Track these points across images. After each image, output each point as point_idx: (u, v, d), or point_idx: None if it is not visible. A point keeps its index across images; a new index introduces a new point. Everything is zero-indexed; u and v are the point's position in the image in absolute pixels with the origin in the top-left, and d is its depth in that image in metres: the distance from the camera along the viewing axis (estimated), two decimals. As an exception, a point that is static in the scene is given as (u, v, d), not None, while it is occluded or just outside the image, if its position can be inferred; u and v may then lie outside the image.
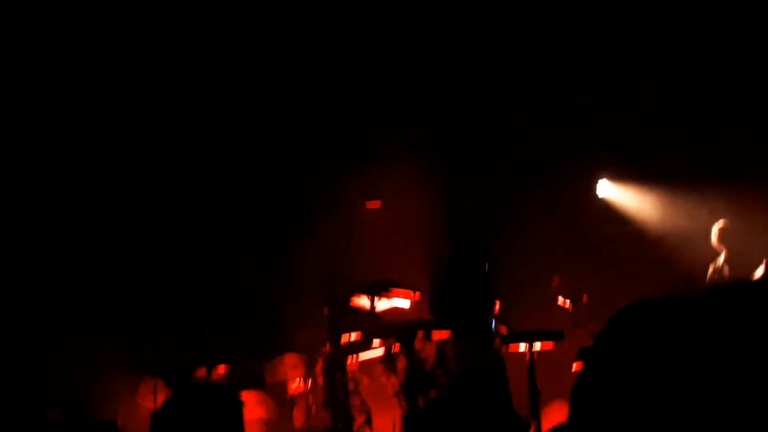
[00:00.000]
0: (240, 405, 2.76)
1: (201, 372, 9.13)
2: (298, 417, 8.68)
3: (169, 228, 10.42)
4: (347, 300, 7.51)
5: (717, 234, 8.20)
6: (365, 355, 7.67)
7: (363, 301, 7.48)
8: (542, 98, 10.17)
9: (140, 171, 10.37)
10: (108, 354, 9.10)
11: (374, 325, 7.39)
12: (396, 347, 7.18)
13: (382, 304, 7.61)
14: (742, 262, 8.12)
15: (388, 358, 7.23)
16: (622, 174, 11.23)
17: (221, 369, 9.19)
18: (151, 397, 8.65)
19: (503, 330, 7.60)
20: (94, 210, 10.07)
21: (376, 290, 7.39)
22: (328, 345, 7.60)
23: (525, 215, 10.08)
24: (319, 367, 8.26)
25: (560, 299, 7.78)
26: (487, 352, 7.30)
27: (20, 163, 9.71)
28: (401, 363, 7.17)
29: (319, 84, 10.06)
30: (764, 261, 7.67)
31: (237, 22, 9.76)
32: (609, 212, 11.43)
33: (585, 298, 7.56)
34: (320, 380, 8.25)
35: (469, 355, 7.26)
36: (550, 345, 7.25)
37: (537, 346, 7.10)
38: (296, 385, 8.83)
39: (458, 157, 9.97)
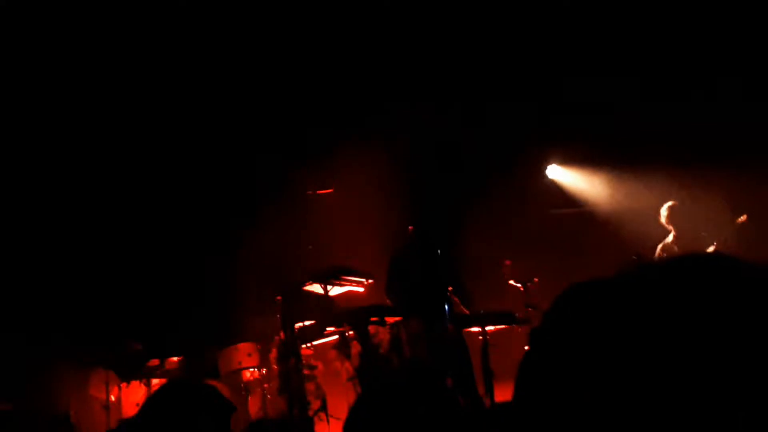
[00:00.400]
0: (231, 410, 2.62)
1: (153, 362, 9.06)
2: (254, 404, 8.66)
3: (118, 218, 10.30)
4: (300, 287, 7.48)
5: (666, 214, 8.31)
6: (319, 341, 7.68)
7: (316, 288, 7.46)
8: (496, 87, 10.25)
9: (95, 162, 10.27)
10: (58, 346, 8.99)
11: (327, 311, 7.38)
12: (350, 333, 7.18)
13: (336, 290, 7.61)
14: (691, 243, 8.23)
15: (342, 344, 7.23)
16: (571, 157, 11.35)
17: (174, 360, 9.13)
18: (104, 388, 8.56)
19: (461, 312, 7.67)
20: (46, 203, 9.95)
21: (329, 276, 7.37)
22: (281, 332, 7.59)
23: (478, 200, 10.14)
24: (273, 354, 8.25)
25: (512, 282, 7.83)
26: (441, 335, 7.34)
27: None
28: (355, 348, 7.19)
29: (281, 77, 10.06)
30: (714, 244, 7.77)
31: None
32: (559, 195, 11.57)
33: (536, 280, 7.62)
34: (275, 367, 8.25)
35: (422, 338, 7.30)
36: (502, 327, 7.33)
37: (489, 328, 7.17)
38: (251, 373, 8.81)
39: (418, 147, 10.02)
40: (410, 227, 7.92)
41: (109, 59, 9.65)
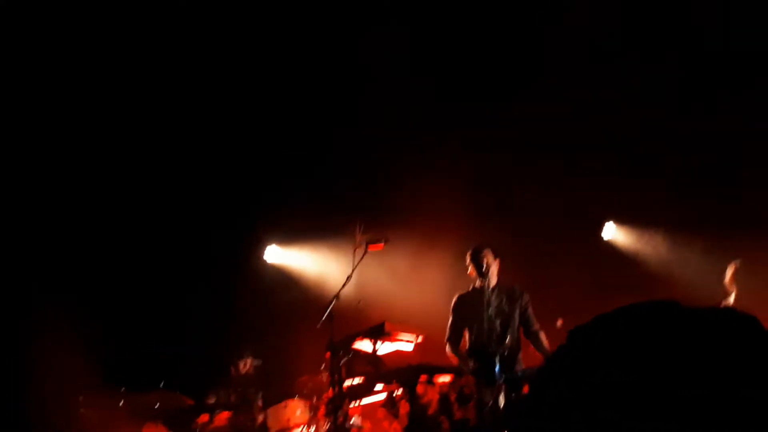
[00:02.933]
0: None
1: (203, 418, 9.07)
2: (303, 463, 8.59)
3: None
4: (349, 344, 7.44)
5: (731, 274, 8.11)
6: (367, 400, 7.60)
7: (365, 345, 7.41)
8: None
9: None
10: (113, 400, 9.09)
11: (376, 369, 7.31)
12: (398, 392, 7.09)
13: (385, 348, 7.55)
14: (750, 305, 8.02)
15: (390, 402, 7.14)
16: (627, 217, 11.22)
17: (224, 416, 9.13)
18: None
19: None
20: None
21: (378, 334, 7.32)
22: (330, 390, 7.52)
23: (535, 259, 10.06)
24: (321, 412, 8.19)
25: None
26: (496, 397, 7.21)
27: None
28: (403, 407, 7.09)
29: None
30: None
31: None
32: (615, 254, 11.40)
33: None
34: (323, 425, 8.18)
35: (474, 399, 7.17)
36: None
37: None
38: (300, 429, 8.76)
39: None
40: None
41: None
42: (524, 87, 10.01)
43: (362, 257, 7.54)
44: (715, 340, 0.97)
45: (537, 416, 1.02)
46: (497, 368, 7.23)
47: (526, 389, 6.97)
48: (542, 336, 7.75)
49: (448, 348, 7.82)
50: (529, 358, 7.79)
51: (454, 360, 7.69)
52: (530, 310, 7.91)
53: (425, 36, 10.00)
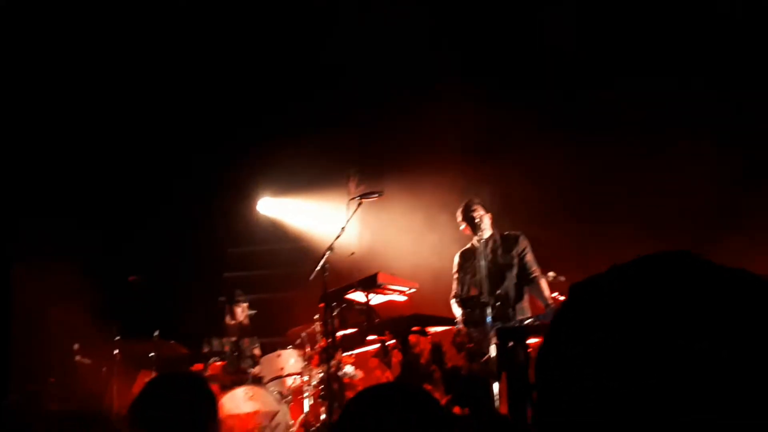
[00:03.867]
0: (213, 397, 2.83)
1: (197, 366, 9.16)
2: (296, 411, 8.70)
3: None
4: (342, 295, 7.50)
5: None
6: (360, 350, 7.68)
7: (358, 296, 7.47)
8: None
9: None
10: (108, 348, 9.18)
11: (369, 319, 7.38)
12: (391, 342, 7.17)
13: (378, 299, 7.62)
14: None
15: (382, 353, 7.22)
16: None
17: (218, 364, 9.23)
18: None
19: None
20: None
21: (371, 285, 7.38)
22: (323, 339, 7.60)
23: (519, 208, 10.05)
24: (314, 361, 8.28)
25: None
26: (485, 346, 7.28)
27: None
28: (396, 357, 7.17)
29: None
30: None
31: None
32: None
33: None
34: (316, 374, 8.28)
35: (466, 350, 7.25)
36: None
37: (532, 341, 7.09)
38: (293, 380, 8.86)
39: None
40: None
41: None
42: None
43: (356, 209, 7.56)
44: (725, 298, 0.97)
45: (545, 378, 1.02)
46: (488, 318, 7.31)
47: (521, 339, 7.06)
48: (541, 282, 7.73)
49: (454, 306, 7.90)
50: (536, 308, 7.84)
51: (460, 317, 7.77)
52: (528, 256, 7.92)
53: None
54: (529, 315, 7.67)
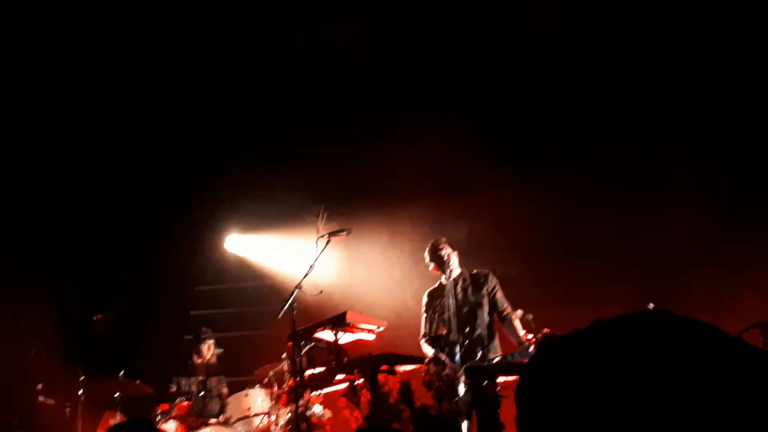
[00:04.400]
0: None
1: (163, 407, 9.04)
2: (263, 452, 8.60)
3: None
4: (311, 334, 7.45)
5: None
6: (329, 389, 7.63)
7: (326, 335, 7.43)
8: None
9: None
10: (72, 388, 9.04)
11: (338, 358, 7.33)
12: (359, 381, 7.13)
13: (346, 337, 7.58)
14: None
15: (351, 392, 7.17)
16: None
17: (184, 404, 9.11)
18: None
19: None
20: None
21: (340, 324, 7.34)
22: (291, 379, 7.53)
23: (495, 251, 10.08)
24: (282, 401, 8.20)
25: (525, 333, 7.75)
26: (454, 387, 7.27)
27: None
28: (365, 396, 7.12)
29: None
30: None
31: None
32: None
33: (547, 331, 7.52)
34: (284, 414, 8.20)
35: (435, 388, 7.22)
36: (513, 378, 7.22)
37: (500, 379, 7.07)
38: (260, 419, 8.76)
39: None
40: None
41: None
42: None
43: (324, 247, 7.55)
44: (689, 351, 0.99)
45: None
46: (457, 357, 7.31)
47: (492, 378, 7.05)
48: (514, 320, 7.74)
49: (423, 345, 7.88)
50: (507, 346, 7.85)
51: (429, 356, 7.75)
52: (499, 294, 7.97)
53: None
54: (500, 353, 7.68)
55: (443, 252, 7.87)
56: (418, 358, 7.46)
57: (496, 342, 7.86)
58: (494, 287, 7.99)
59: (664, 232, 9.31)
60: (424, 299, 8.15)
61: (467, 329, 7.72)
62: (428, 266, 8.05)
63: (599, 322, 1.07)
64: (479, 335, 7.77)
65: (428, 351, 7.77)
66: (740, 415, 0.93)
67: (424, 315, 8.11)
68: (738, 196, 9.37)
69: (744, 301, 8.12)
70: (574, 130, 9.71)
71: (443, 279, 7.92)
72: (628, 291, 8.92)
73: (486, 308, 7.89)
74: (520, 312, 7.44)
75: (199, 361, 9.62)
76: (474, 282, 7.95)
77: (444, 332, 7.64)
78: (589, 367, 0.99)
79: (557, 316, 7.59)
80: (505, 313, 7.88)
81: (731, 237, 9.26)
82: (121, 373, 9.06)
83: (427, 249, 8.06)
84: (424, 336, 7.99)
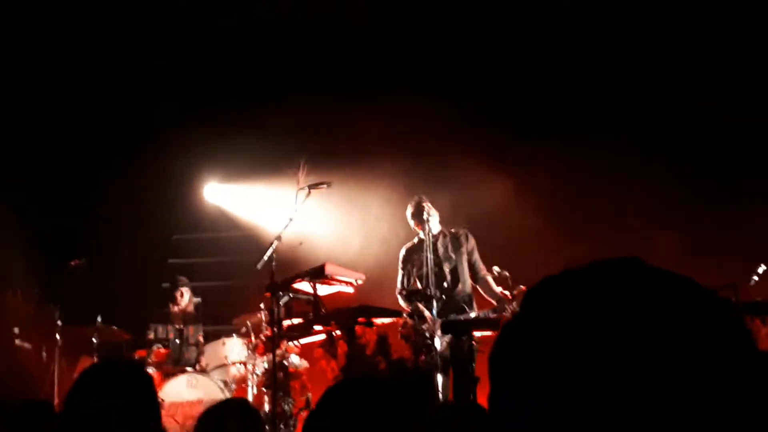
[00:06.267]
0: (151, 381, 2.83)
1: (140, 353, 9.08)
2: (239, 400, 8.67)
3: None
4: (289, 285, 7.48)
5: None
6: (306, 340, 7.69)
7: (305, 286, 7.46)
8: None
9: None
10: (49, 333, 9.04)
11: (316, 310, 7.37)
12: (337, 332, 7.18)
13: (325, 289, 7.61)
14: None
15: (328, 343, 7.23)
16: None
17: (162, 351, 9.15)
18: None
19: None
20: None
21: (318, 275, 7.37)
22: (269, 329, 7.58)
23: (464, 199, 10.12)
24: (259, 350, 8.27)
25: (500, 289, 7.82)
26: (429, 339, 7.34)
27: None
28: (342, 348, 7.18)
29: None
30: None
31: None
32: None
33: (523, 288, 7.59)
34: (261, 363, 8.27)
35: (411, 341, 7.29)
36: (489, 333, 7.31)
37: (477, 333, 7.16)
38: (237, 368, 8.83)
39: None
40: None
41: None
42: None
43: (305, 199, 7.55)
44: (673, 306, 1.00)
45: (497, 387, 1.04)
46: (434, 311, 7.37)
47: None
48: (489, 279, 7.88)
49: (399, 299, 7.93)
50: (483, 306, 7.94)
51: (406, 309, 7.81)
52: (476, 255, 8.05)
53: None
54: (477, 311, 7.76)
55: (424, 208, 7.89)
56: (396, 312, 7.51)
57: (474, 301, 7.95)
58: (473, 247, 8.07)
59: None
60: (402, 254, 8.19)
61: (446, 285, 7.78)
62: (410, 222, 8.07)
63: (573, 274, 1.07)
64: (459, 292, 7.84)
65: (405, 305, 7.83)
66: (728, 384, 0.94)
67: (401, 270, 8.16)
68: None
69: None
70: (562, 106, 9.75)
71: (421, 234, 7.93)
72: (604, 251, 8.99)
73: (465, 266, 7.95)
74: (496, 268, 7.50)
75: (176, 309, 9.63)
76: (453, 240, 8.00)
77: (419, 287, 7.68)
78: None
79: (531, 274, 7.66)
80: (482, 273, 7.97)
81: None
82: (99, 318, 9.07)
83: (410, 204, 8.08)
84: (400, 291, 8.04)
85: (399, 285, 8.09)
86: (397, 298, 8.00)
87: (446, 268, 7.86)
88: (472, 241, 8.08)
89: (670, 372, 0.90)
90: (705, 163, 9.38)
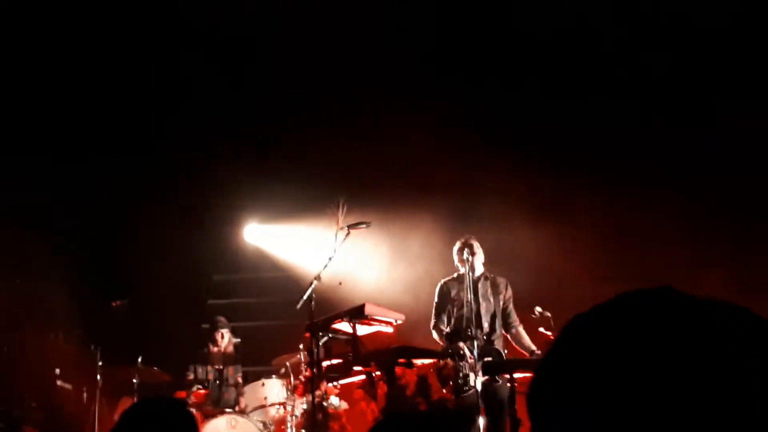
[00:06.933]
0: (193, 419, 2.81)
1: (181, 395, 9.08)
2: (279, 441, 8.63)
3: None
4: (329, 325, 7.45)
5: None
6: (345, 381, 7.63)
7: (344, 326, 7.43)
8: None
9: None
10: (90, 374, 9.09)
11: (355, 350, 7.33)
12: (377, 373, 7.13)
13: (364, 329, 7.57)
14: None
15: (368, 384, 7.18)
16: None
17: (201, 392, 9.15)
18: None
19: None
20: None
21: (358, 315, 7.33)
22: (308, 370, 7.55)
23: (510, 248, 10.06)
24: (299, 391, 8.22)
25: (542, 329, 7.73)
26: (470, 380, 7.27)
27: None
28: (381, 389, 7.13)
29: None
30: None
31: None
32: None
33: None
34: (300, 405, 8.22)
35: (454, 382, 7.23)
36: (530, 374, 7.21)
37: (517, 375, 7.07)
38: (276, 409, 8.79)
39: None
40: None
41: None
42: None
43: (344, 239, 7.54)
44: (713, 331, 0.97)
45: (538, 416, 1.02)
46: (475, 351, 7.30)
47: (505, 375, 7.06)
48: (522, 331, 7.89)
49: (435, 334, 7.87)
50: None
51: (437, 338, 7.78)
52: (512, 306, 8.03)
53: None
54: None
55: (473, 248, 7.84)
56: (436, 352, 7.45)
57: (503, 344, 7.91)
58: (509, 297, 8.04)
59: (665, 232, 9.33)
60: (439, 287, 8.11)
61: (485, 328, 7.72)
62: (453, 257, 8.01)
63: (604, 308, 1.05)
64: (495, 339, 7.77)
65: (439, 339, 7.78)
66: None
67: (438, 303, 8.07)
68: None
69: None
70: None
71: (461, 270, 7.87)
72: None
73: (500, 315, 7.90)
74: (538, 309, 7.42)
75: (215, 349, 9.65)
76: (493, 285, 7.94)
77: (460, 325, 7.63)
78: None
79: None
80: (516, 324, 7.97)
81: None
82: (139, 359, 9.10)
83: (459, 241, 8.02)
84: (436, 325, 7.95)
85: (435, 318, 8.00)
86: (431, 333, 7.92)
87: (484, 311, 7.79)
88: (510, 291, 8.06)
89: (697, 410, 0.89)
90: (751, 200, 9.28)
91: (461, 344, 7.31)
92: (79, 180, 10.77)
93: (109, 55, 10.36)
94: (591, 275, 9.21)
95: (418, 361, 7.25)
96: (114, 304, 9.13)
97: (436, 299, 8.08)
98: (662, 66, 9.61)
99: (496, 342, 7.78)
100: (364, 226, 7.65)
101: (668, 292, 1.01)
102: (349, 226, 7.61)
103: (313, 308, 7.37)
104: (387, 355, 7.15)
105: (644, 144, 9.61)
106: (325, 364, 7.42)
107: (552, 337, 7.15)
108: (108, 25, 10.11)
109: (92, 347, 9.03)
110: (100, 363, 8.96)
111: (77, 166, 10.76)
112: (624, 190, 9.58)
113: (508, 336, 7.94)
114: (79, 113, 10.60)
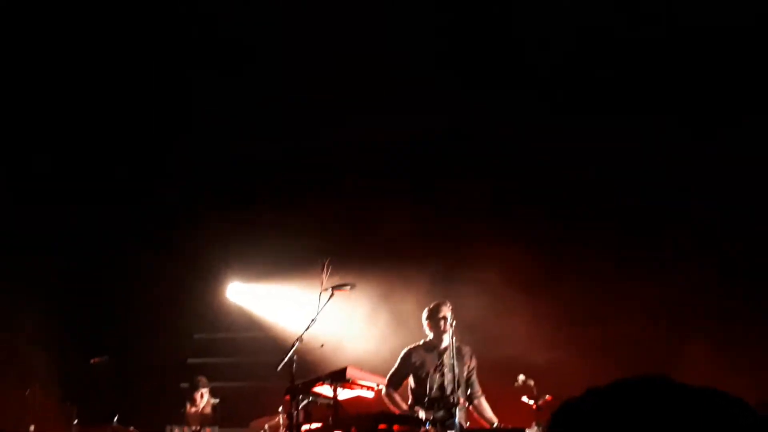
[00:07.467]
0: None
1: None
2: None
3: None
4: (309, 388, 7.36)
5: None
6: (325, 445, 7.51)
7: (325, 390, 7.34)
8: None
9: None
10: (67, 430, 8.95)
11: (336, 414, 7.24)
12: (357, 439, 7.03)
13: (345, 393, 7.49)
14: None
15: (348, 450, 7.07)
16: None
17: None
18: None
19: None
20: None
21: (339, 379, 7.26)
22: (287, 433, 7.44)
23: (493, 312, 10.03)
24: (278, 455, 8.10)
25: (525, 399, 7.66)
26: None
27: None
28: (362, 455, 7.03)
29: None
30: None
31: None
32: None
33: (549, 398, 7.42)
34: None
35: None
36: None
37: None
38: (255, 474, 8.64)
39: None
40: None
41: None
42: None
43: (327, 301, 7.51)
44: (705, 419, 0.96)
45: None
46: (456, 419, 7.26)
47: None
48: (484, 403, 8.04)
49: (385, 391, 7.83)
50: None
51: (389, 402, 7.89)
52: (475, 376, 8.05)
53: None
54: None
55: (444, 315, 7.86)
56: (418, 420, 7.37)
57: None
58: (473, 368, 8.08)
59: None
60: (405, 354, 8.10)
61: (454, 398, 7.71)
62: (424, 324, 8.04)
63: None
64: (460, 407, 7.73)
65: (393, 402, 7.87)
66: None
67: (396, 366, 8.04)
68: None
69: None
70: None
71: (433, 338, 7.93)
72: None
73: (464, 384, 7.90)
74: (521, 377, 7.39)
75: (193, 410, 9.51)
76: (458, 354, 7.90)
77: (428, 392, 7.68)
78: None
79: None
80: (479, 394, 8.08)
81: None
82: (115, 418, 8.94)
83: (429, 307, 8.04)
84: (388, 386, 7.90)
85: (390, 378, 7.96)
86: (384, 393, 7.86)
87: (454, 382, 7.76)
88: (474, 361, 8.11)
89: None
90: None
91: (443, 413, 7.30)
92: (60, 234, 10.71)
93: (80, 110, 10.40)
94: (578, 342, 9.21)
95: (399, 428, 7.17)
96: (93, 360, 9.01)
97: (397, 362, 8.07)
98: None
99: (465, 414, 7.76)
100: (348, 287, 7.63)
101: (663, 380, 0.99)
102: (333, 288, 7.58)
103: (294, 370, 7.29)
104: (368, 420, 7.08)
105: (621, 212, 9.69)
106: (304, 428, 7.32)
107: (535, 407, 7.10)
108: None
109: (69, 405, 8.89)
110: (75, 422, 8.81)
111: (58, 219, 10.69)
112: (607, 257, 9.59)
113: (471, 407, 7.94)
114: (56, 166, 10.59)
